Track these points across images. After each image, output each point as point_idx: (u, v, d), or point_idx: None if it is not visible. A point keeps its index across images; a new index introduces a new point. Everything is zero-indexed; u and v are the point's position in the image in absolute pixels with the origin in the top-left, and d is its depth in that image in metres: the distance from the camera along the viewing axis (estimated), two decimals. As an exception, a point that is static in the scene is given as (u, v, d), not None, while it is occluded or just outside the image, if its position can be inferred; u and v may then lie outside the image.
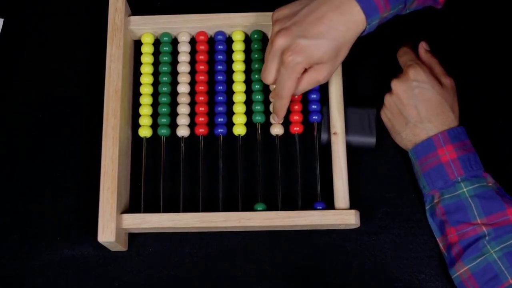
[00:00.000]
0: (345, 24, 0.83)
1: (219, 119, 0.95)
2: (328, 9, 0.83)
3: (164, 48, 0.98)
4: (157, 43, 0.99)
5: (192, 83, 0.97)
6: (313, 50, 0.83)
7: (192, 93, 0.97)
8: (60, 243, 0.94)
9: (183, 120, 0.95)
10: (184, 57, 0.98)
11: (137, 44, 1.00)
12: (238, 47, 0.98)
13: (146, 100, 0.96)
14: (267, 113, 0.96)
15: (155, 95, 0.97)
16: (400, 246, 0.92)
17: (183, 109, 0.96)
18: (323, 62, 0.84)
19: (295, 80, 0.85)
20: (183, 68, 0.97)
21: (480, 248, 0.83)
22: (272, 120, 0.95)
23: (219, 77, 0.97)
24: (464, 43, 0.99)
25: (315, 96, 0.96)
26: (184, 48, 0.98)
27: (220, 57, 0.98)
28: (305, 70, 0.86)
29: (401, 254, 0.92)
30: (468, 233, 0.84)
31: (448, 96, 0.89)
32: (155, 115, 0.96)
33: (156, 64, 0.98)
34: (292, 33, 0.83)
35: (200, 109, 0.96)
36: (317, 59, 0.84)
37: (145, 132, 0.95)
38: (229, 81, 0.97)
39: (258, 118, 0.95)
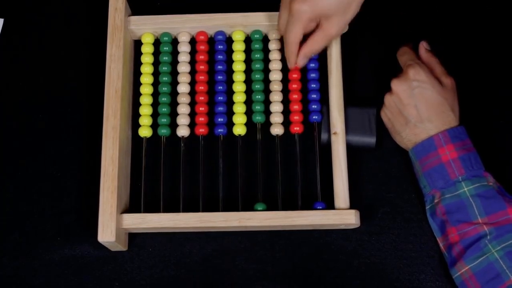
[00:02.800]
0: None
1: (219, 119, 0.95)
2: None
3: (164, 48, 0.98)
4: (157, 43, 0.99)
5: (192, 83, 0.97)
6: (319, 0, 0.84)
7: (192, 93, 0.97)
8: (60, 243, 0.94)
9: (183, 120, 0.95)
10: (184, 57, 0.98)
11: (137, 44, 1.00)
12: (238, 47, 0.98)
13: (146, 100, 0.96)
14: (267, 113, 0.96)
15: (155, 95, 0.97)
16: (400, 246, 0.92)
17: (183, 109, 0.96)
18: (330, 14, 0.85)
19: (300, 28, 0.87)
20: (183, 68, 0.97)
21: (482, 248, 0.83)
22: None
23: (219, 77, 0.97)
24: (464, 43, 0.99)
25: (315, 96, 0.96)
26: (184, 48, 0.98)
27: (220, 57, 0.98)
28: (317, 26, 0.87)
29: (401, 254, 0.92)
30: (469, 232, 0.84)
31: (448, 95, 0.89)
32: (155, 115, 0.96)
33: (156, 64, 0.98)
34: None
35: (200, 109, 0.96)
36: (323, 10, 0.85)
37: (145, 132, 0.95)
38: (229, 81, 0.97)
39: (258, 118, 0.95)
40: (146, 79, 0.97)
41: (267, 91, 0.97)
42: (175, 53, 0.98)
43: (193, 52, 0.98)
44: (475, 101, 0.96)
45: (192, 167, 0.95)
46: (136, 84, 0.98)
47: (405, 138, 0.90)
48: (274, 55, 0.97)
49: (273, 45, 0.97)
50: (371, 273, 0.91)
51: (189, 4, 1.01)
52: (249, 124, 0.95)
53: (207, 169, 0.94)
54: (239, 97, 0.96)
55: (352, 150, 0.93)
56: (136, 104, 0.97)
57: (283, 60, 0.97)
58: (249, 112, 0.96)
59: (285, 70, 0.96)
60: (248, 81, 0.97)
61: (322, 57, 0.96)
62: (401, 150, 0.93)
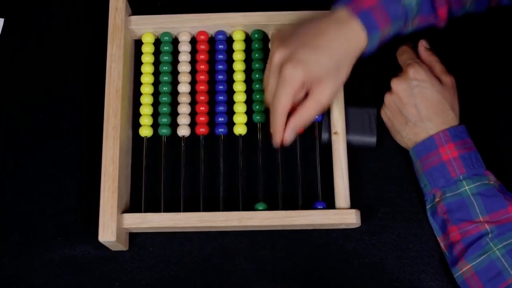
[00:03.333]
0: (345, 38, 0.82)
1: (220, 119, 0.95)
2: (328, 24, 0.83)
3: (165, 48, 0.98)
4: (157, 42, 0.99)
5: (193, 83, 0.97)
6: (313, 62, 0.81)
7: (193, 93, 0.97)
8: (60, 243, 0.93)
9: (183, 120, 0.95)
10: (184, 57, 0.98)
11: (138, 43, 1.00)
12: (239, 46, 0.98)
13: (146, 99, 0.96)
14: (267, 112, 0.95)
15: (156, 94, 0.97)
16: (401, 246, 0.92)
17: (184, 109, 0.96)
18: (323, 78, 0.82)
19: (291, 95, 0.82)
20: (184, 67, 0.97)
21: (483, 246, 0.83)
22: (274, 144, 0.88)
23: (219, 76, 0.97)
24: (464, 42, 1.00)
25: (315, 96, 0.96)
26: (184, 48, 0.98)
27: (220, 56, 0.98)
28: (307, 94, 0.83)
29: (401, 254, 0.92)
30: (471, 231, 0.84)
31: (448, 94, 0.89)
32: (155, 115, 0.96)
33: (156, 63, 0.98)
34: (291, 46, 0.82)
35: (201, 108, 0.96)
36: (316, 73, 0.82)
37: (145, 131, 0.95)
38: (230, 81, 0.97)
39: (258, 118, 0.95)
40: (147, 78, 0.97)
41: (267, 91, 0.97)
42: (175, 52, 0.98)
43: (193, 52, 0.98)
44: (475, 101, 0.96)
45: (192, 167, 0.95)
46: (137, 83, 0.98)
47: (406, 138, 0.90)
48: (275, 55, 0.97)
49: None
50: (371, 273, 0.91)
51: (189, 4, 1.01)
52: (250, 123, 0.95)
53: (207, 169, 0.94)
54: (239, 97, 0.96)
55: (352, 150, 0.93)
56: (136, 104, 0.97)
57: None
58: (249, 112, 0.96)
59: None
60: (248, 81, 0.97)
61: (322, 57, 0.97)
62: (401, 149, 0.93)
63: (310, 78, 0.82)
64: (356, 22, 0.82)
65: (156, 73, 0.98)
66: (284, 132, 0.85)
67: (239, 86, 0.96)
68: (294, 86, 0.82)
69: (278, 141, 0.86)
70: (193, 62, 0.98)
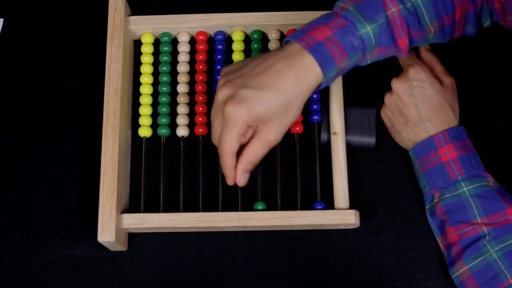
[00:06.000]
0: (295, 75, 0.76)
1: (219, 119, 0.95)
2: (277, 60, 0.77)
3: (164, 48, 0.98)
4: (157, 43, 0.99)
5: (192, 83, 0.97)
6: (256, 102, 0.76)
7: (192, 93, 0.97)
8: (60, 243, 0.94)
9: (182, 120, 0.95)
10: (184, 57, 0.98)
11: (137, 44, 1.00)
12: (238, 47, 0.98)
13: (146, 100, 0.96)
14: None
15: (155, 95, 0.97)
16: (400, 246, 0.92)
17: (183, 109, 0.96)
18: (269, 119, 0.77)
19: (236, 136, 0.78)
20: (183, 68, 0.97)
21: (480, 248, 0.83)
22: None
23: (218, 76, 0.97)
24: (464, 42, 0.99)
25: (315, 96, 0.95)
26: (184, 48, 0.98)
27: (219, 57, 0.98)
28: (254, 133, 0.79)
29: (401, 254, 0.92)
30: (468, 232, 0.84)
31: (448, 95, 0.89)
32: (155, 115, 0.96)
33: (156, 64, 0.98)
34: (235, 84, 0.77)
35: (200, 109, 0.96)
36: (260, 113, 0.76)
37: (145, 132, 0.95)
38: (229, 81, 0.97)
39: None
40: (146, 79, 0.97)
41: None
42: (175, 53, 0.98)
43: (193, 52, 0.98)
44: (475, 102, 0.96)
45: (191, 167, 0.95)
46: (136, 84, 0.98)
47: (405, 138, 0.90)
48: (274, 55, 0.97)
49: (273, 45, 0.97)
50: (371, 273, 0.91)
51: (189, 4, 1.01)
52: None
53: (206, 169, 0.94)
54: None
55: (352, 150, 0.93)
56: (136, 104, 0.97)
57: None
58: (249, 112, 0.96)
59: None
60: (248, 81, 0.97)
61: (322, 57, 0.96)
62: (401, 150, 0.93)
63: (254, 118, 0.77)
64: (309, 58, 0.77)
65: (156, 74, 0.98)
66: (235, 173, 0.81)
67: (238, 87, 0.96)
68: (237, 127, 0.77)
69: (231, 183, 0.83)
70: (192, 62, 0.98)
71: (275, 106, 0.77)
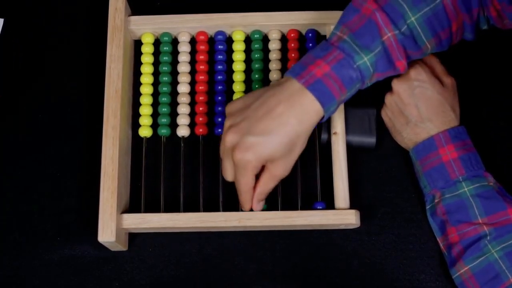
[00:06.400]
0: (297, 117, 0.80)
1: (219, 119, 0.95)
2: (278, 102, 0.80)
3: (164, 48, 0.98)
4: (157, 43, 0.99)
5: (192, 83, 0.97)
6: (262, 147, 0.80)
7: (192, 93, 0.97)
8: (60, 243, 0.94)
9: (183, 120, 0.95)
10: (184, 57, 0.98)
11: (137, 44, 1.00)
12: (238, 47, 0.98)
13: (146, 100, 0.96)
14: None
15: (155, 95, 0.97)
16: (400, 246, 0.92)
17: (183, 109, 0.96)
18: (275, 159, 0.81)
19: (250, 176, 0.83)
20: (183, 68, 0.97)
21: (481, 248, 0.83)
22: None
23: (219, 77, 0.97)
24: (464, 42, 0.99)
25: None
26: (184, 48, 0.98)
27: (220, 57, 0.98)
28: (264, 166, 0.83)
29: (401, 254, 0.92)
30: (469, 232, 0.84)
31: (449, 95, 0.89)
32: (155, 115, 0.96)
33: (156, 64, 0.98)
34: (241, 129, 0.81)
35: (200, 109, 0.96)
36: (267, 156, 0.81)
37: (145, 132, 0.95)
38: (229, 81, 0.97)
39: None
40: (146, 79, 0.97)
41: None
42: (175, 53, 0.98)
43: (193, 52, 0.98)
44: (475, 102, 0.96)
45: (192, 167, 0.95)
46: (136, 84, 0.98)
47: (406, 138, 0.90)
48: (274, 55, 0.97)
49: (273, 45, 0.97)
50: (371, 273, 0.91)
51: (189, 4, 1.01)
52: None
53: (207, 169, 0.94)
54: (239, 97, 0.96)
55: (352, 150, 0.93)
56: (136, 104, 0.97)
57: (283, 60, 0.97)
58: (249, 112, 0.96)
59: (284, 70, 0.96)
60: (248, 81, 0.97)
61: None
62: (401, 150, 0.93)
63: (262, 161, 0.82)
64: (309, 96, 0.80)
65: (156, 74, 0.98)
66: (252, 203, 0.87)
67: (238, 87, 0.96)
68: (248, 170, 0.82)
69: (248, 209, 0.88)
70: (192, 62, 0.98)
71: (280, 148, 0.81)
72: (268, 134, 0.80)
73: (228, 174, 0.85)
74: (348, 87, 0.82)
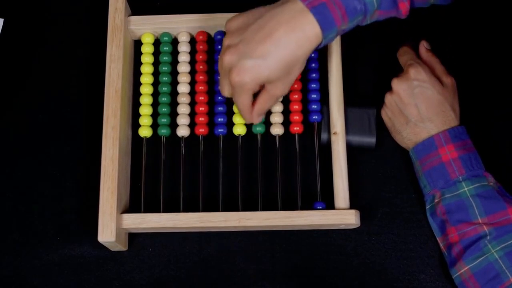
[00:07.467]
0: (296, 41, 0.80)
1: (219, 119, 0.95)
2: (278, 24, 0.80)
3: (164, 48, 0.98)
4: (157, 43, 0.99)
5: (192, 83, 0.97)
6: (259, 70, 0.81)
7: (192, 93, 0.97)
8: (60, 243, 0.94)
9: (183, 120, 0.95)
10: (184, 57, 0.98)
11: (137, 44, 1.00)
12: (238, 47, 0.98)
13: (146, 100, 0.96)
14: (267, 112, 0.95)
15: (155, 95, 0.97)
16: (400, 246, 0.92)
17: (183, 109, 0.96)
18: (272, 81, 0.82)
19: (247, 96, 0.84)
20: (183, 68, 0.97)
21: (481, 248, 0.83)
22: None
23: (219, 77, 0.97)
24: (464, 42, 0.99)
25: (315, 96, 0.95)
26: (184, 48, 0.98)
27: (220, 57, 0.98)
28: (262, 86, 0.84)
29: (401, 254, 0.92)
30: (469, 232, 0.84)
31: (448, 95, 0.90)
32: (155, 115, 0.96)
33: (156, 64, 0.98)
34: (239, 51, 0.81)
35: (200, 109, 0.96)
36: (264, 79, 0.82)
37: (145, 132, 0.95)
38: (229, 81, 0.97)
39: (258, 129, 0.94)
40: (146, 79, 0.97)
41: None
42: (175, 53, 0.98)
43: (193, 52, 0.98)
44: (475, 102, 0.96)
45: (192, 167, 0.95)
46: (136, 84, 0.98)
47: (406, 138, 0.90)
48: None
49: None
50: (371, 273, 0.91)
51: (189, 4, 1.01)
52: (249, 124, 0.95)
53: (207, 169, 0.94)
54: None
55: (352, 150, 0.93)
56: (136, 104, 0.97)
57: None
58: (249, 112, 0.96)
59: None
60: (248, 81, 0.97)
61: (322, 57, 0.96)
62: (401, 150, 0.93)
63: (259, 83, 0.83)
64: (311, 19, 0.79)
65: (156, 74, 0.98)
66: (251, 117, 0.88)
67: (238, 86, 0.96)
68: (245, 91, 0.83)
69: (249, 122, 0.90)
70: (192, 62, 0.98)
71: (278, 71, 0.81)
72: (266, 58, 0.80)
73: (225, 91, 0.87)
74: (350, 17, 0.81)
